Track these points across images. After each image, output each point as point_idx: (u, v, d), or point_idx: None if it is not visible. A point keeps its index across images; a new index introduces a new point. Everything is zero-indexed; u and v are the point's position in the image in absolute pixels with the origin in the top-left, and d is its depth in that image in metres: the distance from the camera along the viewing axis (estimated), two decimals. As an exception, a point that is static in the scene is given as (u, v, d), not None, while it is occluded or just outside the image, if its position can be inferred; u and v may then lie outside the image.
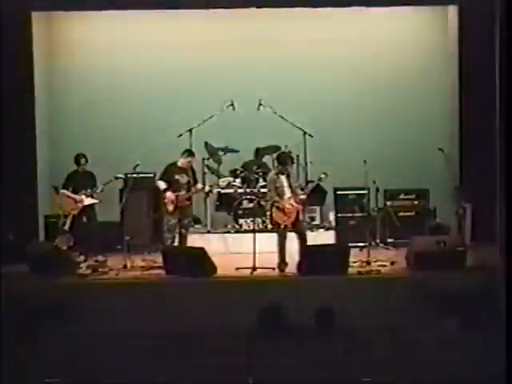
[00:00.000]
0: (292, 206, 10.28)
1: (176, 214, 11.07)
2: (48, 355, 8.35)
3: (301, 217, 10.54)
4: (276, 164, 10.73)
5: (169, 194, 11.02)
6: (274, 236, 10.39)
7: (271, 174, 10.60)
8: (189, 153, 11.20)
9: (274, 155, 11.37)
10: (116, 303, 9.49)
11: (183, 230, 11.13)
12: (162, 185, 11.13)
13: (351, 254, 10.25)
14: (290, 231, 10.38)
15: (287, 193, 10.37)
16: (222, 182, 11.68)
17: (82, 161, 11.36)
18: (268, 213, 10.53)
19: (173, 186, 11.07)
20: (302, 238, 10.37)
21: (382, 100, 13.26)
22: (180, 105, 13.10)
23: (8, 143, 11.75)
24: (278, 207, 10.31)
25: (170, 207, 11.03)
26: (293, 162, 10.85)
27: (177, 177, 11.10)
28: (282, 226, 10.31)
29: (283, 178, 10.40)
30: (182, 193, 11.06)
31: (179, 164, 11.14)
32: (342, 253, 10.15)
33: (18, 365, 8.14)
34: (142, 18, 12.92)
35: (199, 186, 11.29)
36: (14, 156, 11.82)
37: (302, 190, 10.71)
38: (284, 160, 10.47)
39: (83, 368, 8.15)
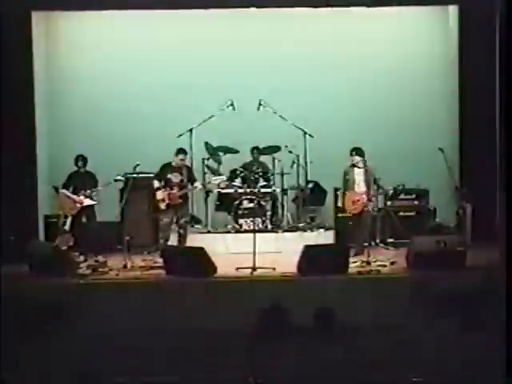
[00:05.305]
0: (360, 198, 11.12)
1: (169, 213, 11.17)
2: (48, 355, 8.35)
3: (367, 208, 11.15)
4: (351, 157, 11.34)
5: (159, 192, 11.15)
6: (274, 236, 10.35)
7: (346, 167, 11.34)
8: (181, 151, 11.27)
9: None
10: (116, 303, 9.48)
11: (181, 230, 11.20)
12: (155, 183, 11.28)
13: (351, 254, 10.26)
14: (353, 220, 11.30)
15: (361, 186, 11.19)
16: (215, 179, 11.64)
17: (80, 162, 11.42)
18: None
19: (166, 184, 11.20)
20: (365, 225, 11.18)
21: (382, 100, 13.26)
22: (180, 105, 13.09)
23: (8, 143, 11.76)
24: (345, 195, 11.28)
25: (162, 205, 11.16)
26: (363, 155, 11.30)
27: (169, 176, 11.23)
28: (350, 214, 11.33)
29: (358, 171, 11.20)
30: (174, 191, 11.13)
31: (173, 163, 11.25)
32: (342, 253, 10.15)
33: (18, 365, 8.15)
34: (141, 18, 12.93)
35: (196, 184, 11.33)
36: (14, 156, 11.82)
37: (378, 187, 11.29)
38: (355, 152, 11.22)
39: (83, 368, 8.15)
